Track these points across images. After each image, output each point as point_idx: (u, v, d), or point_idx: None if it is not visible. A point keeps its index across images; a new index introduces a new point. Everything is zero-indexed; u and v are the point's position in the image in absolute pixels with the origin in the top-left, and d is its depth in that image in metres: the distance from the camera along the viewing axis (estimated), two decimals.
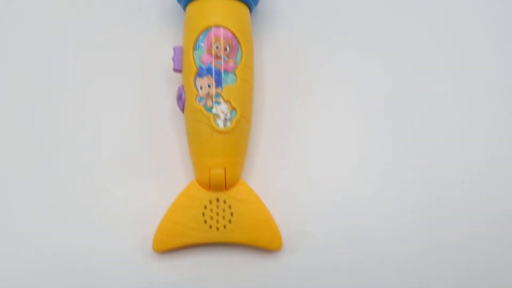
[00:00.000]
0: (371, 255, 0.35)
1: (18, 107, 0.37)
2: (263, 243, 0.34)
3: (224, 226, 0.34)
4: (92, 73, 0.38)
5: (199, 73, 0.33)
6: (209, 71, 0.33)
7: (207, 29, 0.33)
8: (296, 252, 0.35)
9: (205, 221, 0.34)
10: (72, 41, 0.39)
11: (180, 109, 0.34)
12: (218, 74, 0.33)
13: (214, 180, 0.33)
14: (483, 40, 0.39)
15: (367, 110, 0.38)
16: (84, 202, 0.36)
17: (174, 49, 0.35)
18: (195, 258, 0.34)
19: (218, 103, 0.33)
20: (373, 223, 0.36)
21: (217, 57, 0.33)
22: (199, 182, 0.34)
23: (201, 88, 0.33)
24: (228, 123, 0.33)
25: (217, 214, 0.34)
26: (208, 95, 0.33)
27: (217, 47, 0.33)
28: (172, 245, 0.34)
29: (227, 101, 0.33)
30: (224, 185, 0.33)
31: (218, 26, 0.33)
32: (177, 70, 0.35)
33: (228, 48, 0.33)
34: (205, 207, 0.34)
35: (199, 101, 0.33)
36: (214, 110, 0.33)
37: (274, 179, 0.36)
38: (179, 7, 0.37)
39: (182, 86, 0.34)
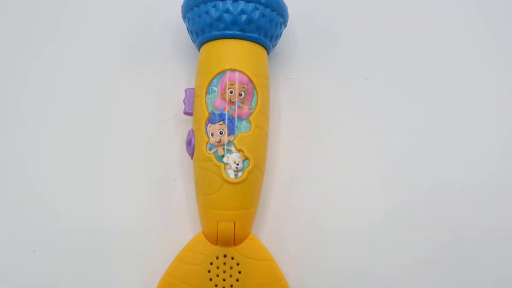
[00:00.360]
0: None
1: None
2: None
3: (231, 286, 0.31)
4: (98, 112, 0.36)
5: (211, 119, 0.31)
6: (221, 117, 0.31)
7: (221, 73, 0.31)
8: None
9: (211, 279, 0.31)
10: (79, 77, 0.37)
11: (189, 155, 0.32)
12: (231, 120, 0.31)
13: (222, 235, 0.31)
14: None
15: (387, 161, 0.35)
16: (84, 248, 0.34)
17: (186, 91, 0.33)
18: None
19: (230, 151, 0.30)
20: None
21: (231, 102, 0.31)
22: (206, 236, 0.31)
23: (212, 134, 0.31)
24: (240, 174, 0.30)
25: (224, 272, 0.31)
26: (220, 142, 0.31)
27: (231, 92, 0.31)
28: None
29: (239, 150, 0.30)
30: (232, 240, 0.31)
31: (233, 70, 0.31)
32: (188, 113, 0.33)
33: (243, 94, 0.31)
34: (211, 263, 0.31)
35: (210, 148, 0.31)
36: (225, 159, 0.30)
37: (287, 234, 0.33)
38: (193, 46, 0.35)
39: (192, 130, 0.32)
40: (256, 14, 0.31)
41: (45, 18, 0.38)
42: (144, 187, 0.34)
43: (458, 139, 0.36)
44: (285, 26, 0.34)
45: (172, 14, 0.37)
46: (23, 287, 0.33)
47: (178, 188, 0.34)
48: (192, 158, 0.32)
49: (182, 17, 0.34)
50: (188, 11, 0.33)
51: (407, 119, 0.36)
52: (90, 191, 0.35)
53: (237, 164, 0.30)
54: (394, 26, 0.38)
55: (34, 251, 0.33)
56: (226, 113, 0.31)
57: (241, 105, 0.31)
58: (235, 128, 0.31)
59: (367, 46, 0.37)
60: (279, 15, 0.33)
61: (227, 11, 0.31)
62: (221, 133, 0.31)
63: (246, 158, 0.31)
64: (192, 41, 0.34)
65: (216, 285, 0.31)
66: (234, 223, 0.31)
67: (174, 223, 0.34)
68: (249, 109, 0.31)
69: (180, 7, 0.34)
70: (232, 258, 0.31)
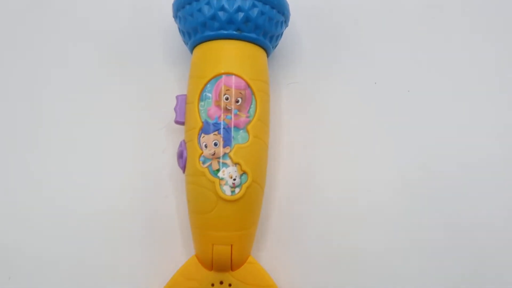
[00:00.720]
0: None
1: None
2: None
3: None
4: (82, 121, 0.33)
5: (205, 129, 0.28)
6: (216, 126, 0.27)
7: (216, 77, 0.28)
8: None
9: None
10: (64, 83, 0.34)
11: (181, 169, 0.29)
12: (227, 130, 0.27)
13: (218, 259, 0.27)
14: None
15: (399, 170, 0.32)
16: (71, 273, 0.30)
17: (177, 98, 0.30)
18: None
19: (225, 165, 0.27)
20: None
21: (227, 110, 0.28)
22: (200, 259, 0.28)
23: (206, 146, 0.28)
24: (237, 190, 0.27)
25: None
26: (214, 155, 0.27)
27: (227, 99, 0.28)
28: None
29: (236, 163, 0.27)
30: (229, 265, 0.28)
31: (229, 74, 0.28)
32: (179, 122, 0.30)
33: (240, 100, 0.28)
34: None
35: (203, 162, 0.27)
36: (220, 174, 0.27)
37: (291, 257, 0.30)
38: (185, 48, 0.32)
39: (184, 141, 0.29)
40: (255, 12, 0.28)
41: (30, 21, 0.35)
42: (133, 204, 0.31)
43: (470, 140, 0.32)
44: (287, 25, 0.31)
45: (163, 13, 0.33)
46: None
47: (169, 205, 0.31)
48: (184, 172, 0.29)
49: (173, 16, 0.31)
50: (179, 9, 0.30)
51: (418, 125, 0.33)
52: (73, 206, 0.31)
53: (234, 179, 0.27)
54: (405, 26, 0.35)
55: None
56: (222, 122, 0.27)
57: (238, 112, 0.28)
58: (232, 139, 0.27)
59: (377, 45, 0.34)
60: (280, 13, 0.30)
61: (222, 8, 0.28)
62: (215, 144, 0.27)
63: (244, 172, 0.27)
64: (184, 42, 0.31)
65: None
66: (231, 245, 0.27)
67: (164, 245, 0.30)
68: (247, 117, 0.28)
69: (171, 5, 0.31)
70: (230, 285, 0.28)
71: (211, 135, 0.28)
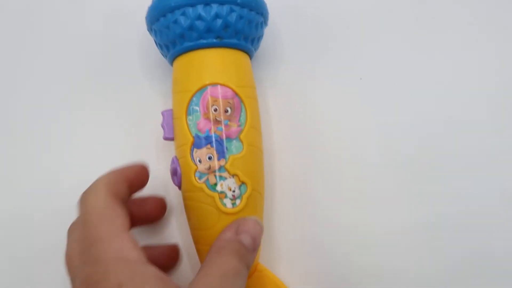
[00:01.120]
0: None
1: None
2: None
3: None
4: (61, 142, 0.33)
5: (196, 143, 0.27)
6: (208, 140, 0.27)
7: (201, 89, 0.27)
8: None
9: None
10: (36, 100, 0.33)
11: (177, 186, 0.28)
12: (219, 142, 0.27)
13: None
14: None
15: (394, 167, 0.31)
16: None
17: (163, 114, 0.29)
18: None
19: (223, 178, 0.26)
20: None
21: (217, 121, 0.27)
22: None
23: (200, 161, 0.27)
24: (238, 201, 0.26)
25: None
26: (210, 169, 0.26)
27: (215, 110, 0.27)
28: None
29: (234, 175, 0.26)
30: None
31: (214, 84, 0.27)
32: (168, 138, 0.29)
33: (229, 110, 0.27)
34: None
35: (199, 177, 0.27)
36: (219, 188, 0.26)
37: (299, 260, 0.30)
38: (163, 60, 0.31)
39: (176, 158, 0.28)
40: (233, 16, 0.27)
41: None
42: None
43: (459, 132, 0.32)
44: (266, 25, 0.30)
45: (137, 26, 0.32)
46: None
47: (169, 224, 0.30)
48: (180, 189, 0.28)
49: (148, 29, 0.30)
50: (153, 22, 0.28)
51: (407, 119, 0.32)
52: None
53: (234, 191, 0.26)
54: (391, 22, 0.34)
55: None
56: (213, 135, 0.27)
57: (228, 123, 0.27)
58: (226, 151, 0.27)
59: (360, 41, 0.33)
60: (259, 14, 0.29)
61: (199, 17, 0.27)
62: (210, 158, 0.27)
63: (243, 183, 0.27)
64: (163, 55, 0.30)
65: None
66: None
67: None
68: (238, 126, 0.27)
69: (145, 19, 0.29)
70: None
71: (204, 149, 0.27)
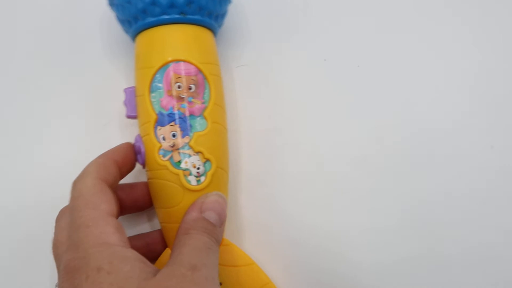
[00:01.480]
0: None
1: None
2: None
3: None
4: (20, 121, 0.32)
5: (160, 121, 0.27)
6: (172, 117, 0.26)
7: (164, 66, 0.27)
8: None
9: None
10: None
11: (141, 165, 0.28)
12: (183, 119, 0.27)
13: None
14: None
15: (357, 146, 0.31)
16: None
17: (125, 92, 0.28)
18: None
19: (187, 155, 0.26)
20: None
21: (180, 98, 0.27)
22: None
23: (164, 138, 0.27)
24: (203, 179, 0.27)
25: None
26: (174, 147, 0.26)
27: (179, 87, 0.27)
28: None
29: (198, 152, 0.26)
30: None
31: (177, 61, 0.27)
32: (131, 116, 0.28)
33: (192, 87, 0.27)
34: None
35: (163, 155, 0.26)
36: (183, 165, 0.26)
37: (263, 235, 0.30)
38: (127, 37, 0.30)
39: (139, 136, 0.28)
40: None
41: None
42: None
43: (425, 113, 0.32)
44: (230, 1, 0.30)
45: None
46: None
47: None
48: (144, 168, 0.28)
49: (109, 3, 0.29)
50: None
51: (372, 100, 0.32)
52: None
53: (198, 168, 0.26)
54: (357, 2, 0.34)
55: None
56: (177, 112, 0.26)
57: (192, 100, 0.27)
58: (190, 128, 0.26)
59: (326, 20, 0.33)
60: None
61: None
62: (174, 135, 0.27)
63: (207, 160, 0.27)
64: (124, 30, 0.29)
65: None
66: None
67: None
68: (202, 103, 0.27)
69: None
70: None
71: (168, 127, 0.27)
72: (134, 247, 0.23)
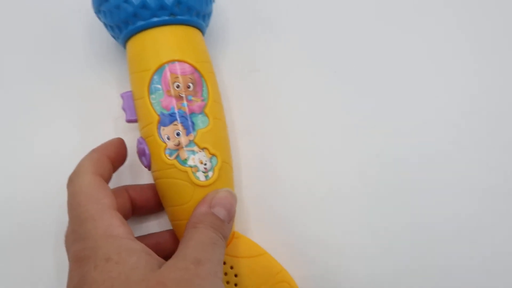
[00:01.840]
0: None
1: None
2: None
3: None
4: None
5: (162, 121, 0.27)
6: (173, 116, 0.27)
7: (160, 68, 0.27)
8: None
9: None
10: None
11: (146, 167, 0.28)
12: (185, 118, 0.27)
13: None
14: None
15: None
16: None
17: (123, 96, 0.29)
18: None
19: (193, 152, 0.27)
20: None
21: (180, 97, 0.27)
22: None
23: (168, 138, 0.27)
24: (210, 174, 0.27)
25: None
26: (179, 145, 0.27)
27: (177, 87, 0.27)
28: None
29: (203, 148, 0.27)
30: None
31: (173, 61, 0.27)
32: (132, 120, 0.29)
33: (191, 85, 0.28)
34: None
35: (170, 154, 0.27)
36: (190, 162, 0.27)
37: (273, 225, 0.31)
38: (112, 42, 0.31)
39: (142, 138, 0.28)
40: None
41: None
42: None
43: (427, 130, 0.32)
44: (214, 1, 0.31)
45: (81, 8, 0.32)
46: None
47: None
48: (149, 169, 0.28)
49: (95, 12, 0.29)
50: (101, 3, 0.28)
51: (372, 113, 0.33)
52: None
53: (205, 164, 0.27)
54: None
55: None
56: (178, 111, 0.27)
57: (192, 98, 0.27)
58: (192, 125, 0.27)
59: (312, 23, 0.34)
60: None
61: None
62: (178, 134, 0.27)
63: (213, 155, 0.27)
64: (113, 37, 0.30)
65: None
66: None
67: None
68: (202, 100, 0.28)
69: (91, 1, 0.29)
70: (224, 263, 0.28)
71: (171, 126, 0.27)
72: None
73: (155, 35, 0.28)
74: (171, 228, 0.29)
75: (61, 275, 0.29)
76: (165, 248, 0.29)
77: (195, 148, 0.27)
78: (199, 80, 0.28)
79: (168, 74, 0.27)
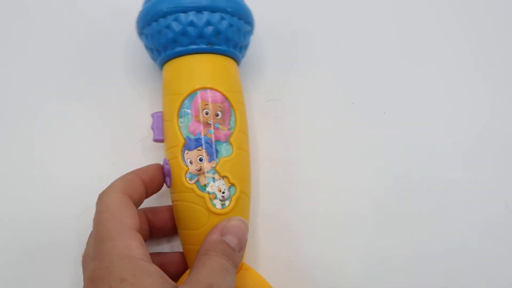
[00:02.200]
0: None
1: None
2: None
3: None
4: (47, 143, 0.33)
5: (187, 145, 0.28)
6: (199, 142, 0.28)
7: (192, 93, 0.28)
8: None
9: None
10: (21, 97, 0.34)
11: (168, 187, 0.29)
12: (210, 145, 0.28)
13: None
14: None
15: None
16: None
17: (153, 116, 0.30)
18: None
19: (213, 179, 0.27)
20: None
21: (207, 124, 0.28)
22: None
23: (191, 162, 0.27)
24: (227, 202, 0.27)
25: None
26: (201, 170, 0.27)
27: (206, 113, 0.28)
28: None
29: (223, 176, 0.27)
30: None
31: (205, 88, 0.28)
32: (158, 140, 0.29)
33: (219, 114, 0.28)
34: None
35: (190, 178, 0.27)
36: (209, 189, 0.27)
37: (282, 260, 0.31)
38: (154, 64, 0.32)
39: (166, 159, 0.29)
40: (224, 24, 0.28)
41: None
42: None
43: (443, 159, 0.33)
44: (252, 34, 0.32)
45: (125, 29, 0.33)
46: None
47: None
48: (169, 187, 0.29)
49: (138, 33, 0.30)
50: (144, 27, 0.29)
51: (395, 147, 0.33)
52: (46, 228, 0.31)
53: (223, 193, 0.27)
54: (380, 44, 0.36)
55: None
56: (204, 137, 0.28)
57: (219, 126, 0.28)
58: (216, 153, 0.28)
59: (352, 62, 0.35)
60: (247, 23, 0.30)
61: (191, 23, 0.28)
62: (200, 159, 0.27)
63: (232, 185, 0.28)
64: (152, 58, 0.31)
65: None
66: None
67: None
68: (229, 129, 0.28)
69: (135, 23, 0.30)
70: None
71: (195, 151, 0.28)
72: None
73: (191, 61, 0.29)
74: (180, 250, 0.29)
75: None
76: (171, 270, 0.29)
77: (216, 176, 0.27)
78: (228, 109, 0.28)
79: (199, 100, 0.28)
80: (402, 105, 0.34)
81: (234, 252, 0.26)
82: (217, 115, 0.28)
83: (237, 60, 0.31)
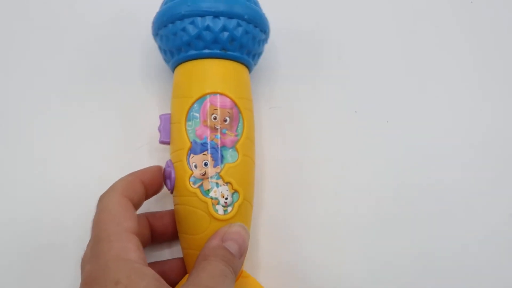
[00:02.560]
0: None
1: None
2: None
3: None
4: (55, 140, 0.33)
5: (193, 149, 0.27)
6: (205, 146, 0.27)
7: (202, 97, 0.28)
8: None
9: None
10: (37, 98, 0.34)
11: (169, 190, 0.29)
12: (216, 150, 0.27)
13: None
14: None
15: (378, 197, 0.33)
16: None
17: (161, 118, 0.29)
18: None
19: (217, 184, 0.27)
20: None
21: (215, 129, 0.28)
22: None
23: (196, 166, 0.27)
24: (229, 209, 0.27)
25: None
26: (205, 175, 0.27)
27: (214, 118, 0.28)
28: None
29: (227, 182, 0.27)
30: None
31: (215, 93, 0.28)
32: (165, 142, 0.29)
33: (227, 119, 0.28)
34: None
35: (194, 182, 0.27)
36: (212, 194, 0.27)
37: (284, 265, 0.31)
38: (165, 66, 0.32)
39: (171, 162, 0.29)
40: (239, 31, 0.28)
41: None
42: None
43: (448, 175, 0.33)
44: (267, 42, 0.32)
45: (142, 27, 0.33)
46: None
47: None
48: (172, 193, 0.29)
49: (153, 34, 0.30)
50: (160, 28, 0.29)
51: (396, 152, 0.34)
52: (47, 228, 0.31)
53: (226, 199, 0.27)
54: (388, 53, 0.36)
55: None
56: (210, 142, 0.27)
57: (226, 132, 0.28)
58: (221, 158, 0.27)
59: (354, 72, 0.35)
60: (262, 32, 0.30)
61: (207, 28, 0.28)
62: (205, 164, 0.27)
63: (235, 191, 0.27)
64: (165, 60, 0.31)
65: None
66: None
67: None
68: (236, 136, 0.28)
69: (151, 24, 0.30)
70: None
71: (200, 155, 0.27)
72: None
73: (204, 65, 0.29)
74: (180, 256, 0.29)
75: None
76: (170, 277, 0.29)
77: (220, 181, 0.27)
78: (236, 116, 0.28)
79: (208, 105, 0.28)
80: (404, 112, 0.34)
81: (234, 258, 0.25)
82: (225, 120, 0.28)
83: (249, 67, 0.31)
